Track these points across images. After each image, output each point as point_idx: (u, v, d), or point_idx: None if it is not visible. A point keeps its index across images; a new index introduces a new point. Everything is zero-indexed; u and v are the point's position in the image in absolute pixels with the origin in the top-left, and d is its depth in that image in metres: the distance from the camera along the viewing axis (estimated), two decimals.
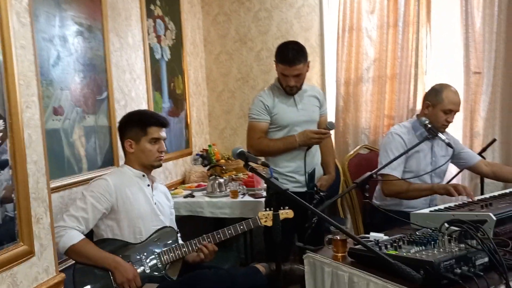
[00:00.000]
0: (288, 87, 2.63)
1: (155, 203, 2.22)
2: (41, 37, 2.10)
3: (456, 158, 2.71)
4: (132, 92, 2.95)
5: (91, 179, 2.39)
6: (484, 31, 3.32)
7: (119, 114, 2.70)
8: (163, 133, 2.22)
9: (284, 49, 2.58)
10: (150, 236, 2.14)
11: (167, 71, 3.47)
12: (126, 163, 2.24)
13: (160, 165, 2.26)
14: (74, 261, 2.00)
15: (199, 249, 2.14)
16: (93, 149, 2.49)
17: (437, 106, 2.53)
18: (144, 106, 3.08)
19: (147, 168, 2.24)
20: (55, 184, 2.12)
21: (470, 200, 2.15)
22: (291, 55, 2.53)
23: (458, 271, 1.38)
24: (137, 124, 2.19)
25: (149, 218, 2.17)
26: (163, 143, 2.22)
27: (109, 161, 2.63)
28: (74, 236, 1.96)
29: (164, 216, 2.25)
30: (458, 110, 2.58)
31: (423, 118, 2.48)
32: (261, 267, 2.15)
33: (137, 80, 3.01)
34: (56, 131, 2.20)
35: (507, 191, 2.34)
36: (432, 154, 2.65)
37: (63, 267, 2.09)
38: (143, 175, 2.22)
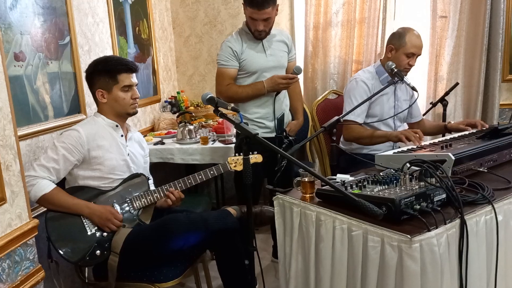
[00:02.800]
0: (257, 31, 2.59)
1: (128, 154, 2.20)
2: None
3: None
4: (96, 36, 2.84)
5: (58, 127, 2.36)
6: None
7: (84, 60, 2.62)
8: (134, 78, 2.16)
9: None
10: (121, 184, 2.15)
11: (131, 15, 3.35)
12: (99, 112, 2.18)
13: (135, 112, 2.20)
14: (46, 209, 2.01)
15: (167, 195, 2.17)
16: (59, 96, 2.43)
17: (400, 50, 2.57)
18: (108, 52, 2.99)
19: (123, 116, 2.19)
20: (21, 132, 2.07)
21: (420, 145, 2.22)
22: None
23: (417, 207, 1.47)
24: (105, 72, 2.11)
25: (121, 169, 2.16)
26: (135, 89, 2.17)
27: (76, 108, 2.57)
28: (45, 185, 1.96)
29: (137, 167, 2.24)
30: (420, 54, 2.62)
31: (390, 63, 2.51)
32: (232, 210, 2.18)
33: (100, 24, 2.90)
34: (19, 78, 2.12)
35: (466, 132, 2.46)
36: (395, 98, 2.72)
37: (36, 213, 2.10)
38: (117, 126, 2.18)
